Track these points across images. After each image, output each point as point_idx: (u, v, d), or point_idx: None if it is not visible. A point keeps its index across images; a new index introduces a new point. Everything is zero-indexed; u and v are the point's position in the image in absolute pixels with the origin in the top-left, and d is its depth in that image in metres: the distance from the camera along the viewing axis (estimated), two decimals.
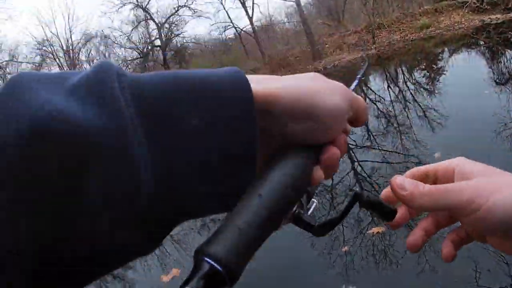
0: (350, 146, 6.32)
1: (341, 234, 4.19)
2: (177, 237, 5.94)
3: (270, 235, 0.29)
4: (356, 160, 5.76)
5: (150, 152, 0.26)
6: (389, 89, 8.30)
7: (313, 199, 0.36)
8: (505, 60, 6.30)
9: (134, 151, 0.25)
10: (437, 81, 7.28)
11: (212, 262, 0.25)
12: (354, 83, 0.48)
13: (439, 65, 8.09)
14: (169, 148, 0.27)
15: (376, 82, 9.55)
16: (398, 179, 0.38)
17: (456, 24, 8.82)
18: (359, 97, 0.37)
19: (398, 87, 8.25)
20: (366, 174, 5.13)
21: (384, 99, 7.84)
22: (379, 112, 7.29)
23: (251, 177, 0.30)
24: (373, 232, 3.90)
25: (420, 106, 6.49)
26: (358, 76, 0.52)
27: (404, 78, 8.69)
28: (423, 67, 8.84)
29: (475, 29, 8.01)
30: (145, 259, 5.41)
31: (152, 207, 0.26)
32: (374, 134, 6.39)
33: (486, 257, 2.89)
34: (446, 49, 8.77)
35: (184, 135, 0.27)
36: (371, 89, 9.14)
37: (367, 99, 8.45)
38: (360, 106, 0.36)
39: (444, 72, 7.47)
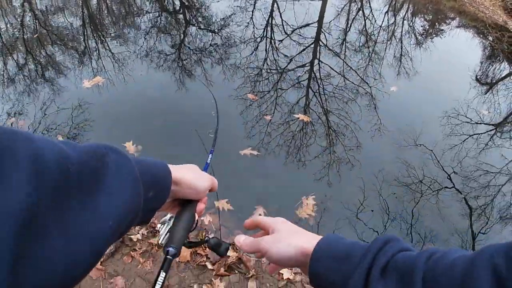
0: (321, 43, 6.07)
1: (272, 105, 4.16)
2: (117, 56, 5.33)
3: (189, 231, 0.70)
4: (318, 57, 5.57)
5: (144, 190, 0.56)
6: (386, 15, 7.94)
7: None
8: (497, 67, 6.36)
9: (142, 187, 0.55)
10: (431, 38, 7.13)
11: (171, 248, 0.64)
12: (209, 157, 0.95)
13: (442, 28, 7.89)
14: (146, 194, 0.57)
15: (378, 2, 9.05)
16: (238, 238, 0.70)
17: (482, 6, 8.47)
18: (215, 181, 0.78)
19: (395, 19, 7.93)
20: (320, 75, 5.01)
21: (375, 21, 7.51)
22: (363, 30, 7.01)
23: (162, 204, 0.63)
24: (299, 118, 3.94)
25: (401, 48, 6.37)
26: (211, 149, 0.98)
27: (405, 16, 8.34)
28: (428, 19, 8.55)
29: (494, 24, 7.83)
30: (73, 67, 4.86)
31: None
32: (347, 45, 6.18)
33: (376, 200, 3.12)
34: (458, 19, 8.52)
35: (148, 193, 0.58)
36: (369, 4, 8.66)
37: (360, 12, 8.05)
38: (214, 183, 0.77)
39: (442, 36, 7.32)
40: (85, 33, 6.28)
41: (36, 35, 6.33)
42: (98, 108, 3.91)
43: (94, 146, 0.50)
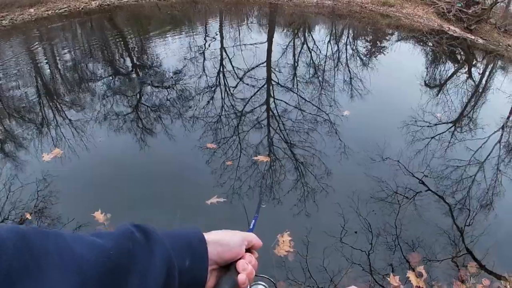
0: (273, 82, 6.35)
1: (237, 150, 4.27)
2: (66, 122, 5.45)
3: None
4: (272, 96, 5.81)
5: (177, 264, 0.58)
6: (329, 44, 8.41)
7: None
8: (442, 69, 6.81)
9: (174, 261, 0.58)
10: (375, 57, 7.58)
11: None
12: (252, 222, 0.85)
13: (384, 45, 8.42)
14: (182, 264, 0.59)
15: (320, 34, 9.61)
16: None
17: (416, 17, 9.16)
18: (252, 235, 0.73)
19: (338, 46, 8.40)
20: (277, 112, 5.21)
21: (320, 51, 7.94)
22: (310, 62, 7.39)
23: (205, 271, 0.63)
24: (259, 159, 4.05)
25: (349, 72, 6.73)
26: (256, 215, 0.87)
27: (347, 41, 8.86)
28: (369, 39, 9.10)
29: (431, 30, 8.44)
30: (32, 139, 4.93)
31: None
32: (298, 79, 6.48)
33: (356, 221, 3.19)
34: (396, 33, 9.11)
35: (184, 263, 0.60)
36: (312, 37, 9.18)
37: (305, 45, 8.51)
38: (252, 239, 0.72)
39: (385, 53, 7.80)
40: (41, 103, 6.33)
41: None
42: (62, 180, 3.89)
43: (121, 228, 0.56)
